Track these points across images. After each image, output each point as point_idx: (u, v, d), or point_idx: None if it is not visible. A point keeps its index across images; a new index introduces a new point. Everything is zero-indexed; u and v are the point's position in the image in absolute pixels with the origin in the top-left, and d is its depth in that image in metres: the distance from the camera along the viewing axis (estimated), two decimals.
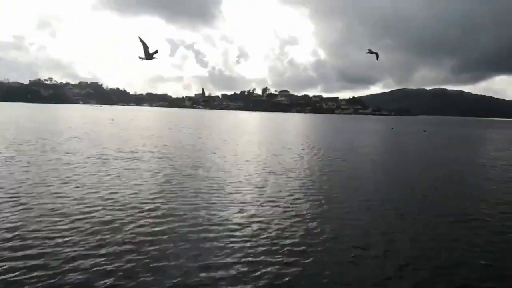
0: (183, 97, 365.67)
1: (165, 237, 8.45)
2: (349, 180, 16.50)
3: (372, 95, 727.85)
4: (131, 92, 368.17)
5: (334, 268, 7.24)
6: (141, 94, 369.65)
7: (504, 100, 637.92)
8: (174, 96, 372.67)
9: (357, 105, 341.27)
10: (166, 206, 10.89)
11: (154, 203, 11.21)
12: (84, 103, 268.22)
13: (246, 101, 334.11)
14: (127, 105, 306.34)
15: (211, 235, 8.68)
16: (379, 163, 23.63)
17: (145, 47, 14.36)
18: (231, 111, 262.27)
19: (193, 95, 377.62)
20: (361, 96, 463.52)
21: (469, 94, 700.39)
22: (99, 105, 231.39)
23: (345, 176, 17.46)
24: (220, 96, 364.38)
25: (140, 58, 14.62)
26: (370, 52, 20.83)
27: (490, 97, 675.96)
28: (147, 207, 10.69)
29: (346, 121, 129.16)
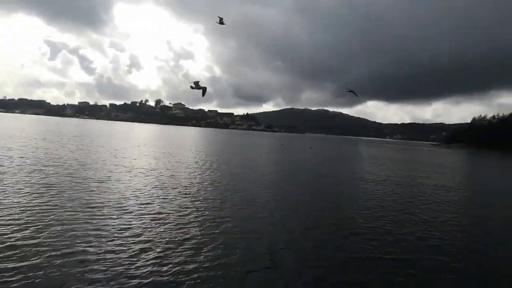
0: (64, 105, 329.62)
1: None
2: (240, 194, 15.85)
3: (264, 112, 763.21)
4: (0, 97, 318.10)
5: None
6: (12, 99, 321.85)
7: (374, 122, 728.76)
8: (53, 103, 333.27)
9: (250, 121, 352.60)
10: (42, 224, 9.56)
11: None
12: None
13: (138, 112, 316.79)
14: None
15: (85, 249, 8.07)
16: (268, 176, 23.50)
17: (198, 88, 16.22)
18: (121, 122, 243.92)
19: (76, 103, 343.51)
20: (254, 113, 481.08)
21: (347, 115, 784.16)
22: None
23: (236, 189, 16.94)
24: (108, 106, 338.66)
25: (191, 87, 16.19)
26: (349, 91, 21.03)
27: (364, 119, 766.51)
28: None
29: (242, 136, 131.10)
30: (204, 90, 16.25)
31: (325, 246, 9.41)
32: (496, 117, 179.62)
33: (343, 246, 9.53)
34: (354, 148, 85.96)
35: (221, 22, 19.81)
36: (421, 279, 7.83)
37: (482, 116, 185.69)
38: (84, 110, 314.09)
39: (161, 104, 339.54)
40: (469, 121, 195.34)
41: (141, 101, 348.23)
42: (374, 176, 26.09)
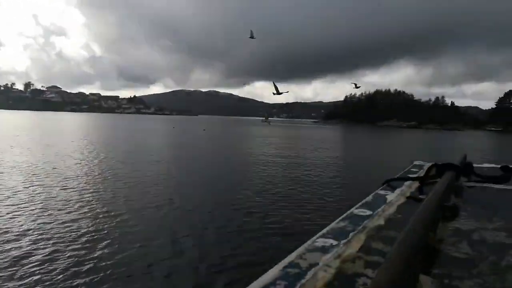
0: None
1: None
2: (131, 184, 14.77)
3: (154, 94, 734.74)
4: None
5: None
6: None
7: (262, 101, 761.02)
8: None
9: (139, 104, 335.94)
10: None
11: None
12: None
13: (3, 97, 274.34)
14: None
15: None
16: (163, 161, 22.99)
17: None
18: None
19: None
20: (142, 95, 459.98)
21: (237, 96, 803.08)
22: None
23: (127, 179, 15.68)
24: None
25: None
26: (356, 86, 23.20)
27: (253, 99, 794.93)
28: None
29: (130, 120, 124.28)
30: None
31: (224, 229, 9.41)
32: (364, 94, 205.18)
33: (240, 226, 9.72)
34: (245, 128, 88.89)
35: (252, 36, 20.48)
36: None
37: (353, 94, 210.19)
38: None
39: (31, 88, 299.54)
40: (343, 99, 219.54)
41: (6, 84, 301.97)
42: (263, 154, 28.14)
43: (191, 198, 12.69)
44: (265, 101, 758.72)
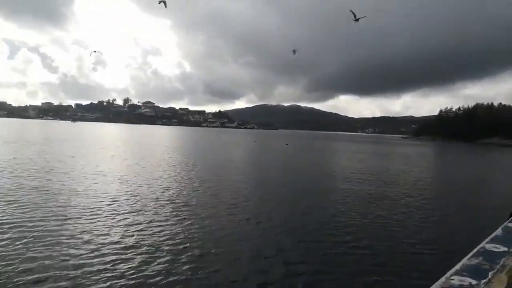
0: (26, 106, 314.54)
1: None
2: (221, 196, 15.14)
3: (237, 109, 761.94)
4: None
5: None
6: None
7: (346, 116, 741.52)
8: (15, 104, 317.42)
9: (223, 119, 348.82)
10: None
11: None
12: None
13: (106, 112, 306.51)
14: None
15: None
16: (247, 176, 23.07)
17: None
18: (87, 122, 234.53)
19: (39, 104, 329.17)
20: (227, 110, 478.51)
21: (319, 110, 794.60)
22: None
23: (215, 191, 16.14)
24: (74, 106, 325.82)
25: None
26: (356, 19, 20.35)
27: (336, 113, 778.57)
28: None
29: (215, 133, 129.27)
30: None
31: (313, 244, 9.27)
32: (462, 109, 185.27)
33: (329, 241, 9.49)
34: (328, 143, 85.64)
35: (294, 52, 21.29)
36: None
37: (449, 108, 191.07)
38: (48, 111, 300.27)
39: (129, 103, 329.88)
40: (437, 113, 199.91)
41: (109, 100, 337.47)
42: (349, 171, 26.25)
43: (276, 213, 12.50)
44: (349, 116, 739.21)
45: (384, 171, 27.34)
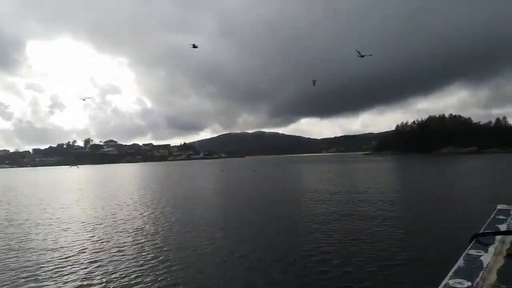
0: None
1: None
2: (192, 228, 15.32)
3: (203, 140, 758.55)
4: None
5: None
6: None
7: (309, 138, 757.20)
8: None
9: (189, 151, 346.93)
10: None
11: None
12: None
13: (66, 154, 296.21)
14: None
15: None
16: (222, 204, 24.47)
17: None
18: (48, 167, 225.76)
19: None
20: (192, 142, 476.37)
21: (283, 134, 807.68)
22: None
23: (186, 224, 16.41)
24: (31, 151, 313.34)
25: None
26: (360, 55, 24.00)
27: (299, 136, 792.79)
28: None
29: (180, 166, 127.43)
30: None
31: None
32: (416, 122, 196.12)
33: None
34: (295, 166, 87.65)
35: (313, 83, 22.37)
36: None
37: (404, 122, 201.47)
38: (4, 159, 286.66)
39: (91, 143, 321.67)
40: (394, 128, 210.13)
41: (68, 142, 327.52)
42: (318, 192, 27.05)
43: (253, 239, 13.11)
44: (312, 137, 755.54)
45: (351, 188, 28.50)
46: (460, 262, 1.25)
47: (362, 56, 23.48)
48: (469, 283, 1.05)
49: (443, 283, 1.08)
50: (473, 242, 1.50)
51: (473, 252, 1.34)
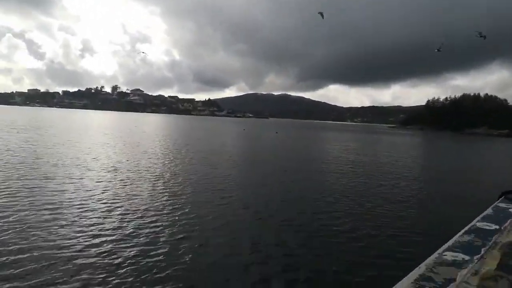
0: (12, 93, 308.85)
1: None
2: (215, 185, 14.90)
3: (227, 98, 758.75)
4: None
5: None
6: None
7: (336, 105, 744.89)
8: (0, 91, 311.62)
9: (212, 107, 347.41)
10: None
11: None
12: None
13: (93, 99, 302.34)
14: None
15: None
16: (246, 162, 24.23)
17: None
18: (75, 109, 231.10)
19: (25, 91, 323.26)
20: (216, 99, 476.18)
21: (309, 99, 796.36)
22: None
23: (209, 180, 15.90)
24: (61, 93, 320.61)
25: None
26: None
27: (326, 103, 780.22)
28: None
29: (204, 121, 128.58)
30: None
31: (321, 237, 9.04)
32: (449, 99, 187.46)
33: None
34: (318, 133, 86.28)
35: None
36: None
37: (436, 98, 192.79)
38: (34, 98, 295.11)
39: (118, 90, 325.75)
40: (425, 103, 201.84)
41: (97, 87, 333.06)
42: (342, 161, 25.83)
43: (270, 203, 12.36)
44: (338, 105, 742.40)
45: (375, 160, 27.79)
46: (488, 211, 1.29)
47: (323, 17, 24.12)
48: (497, 226, 1.09)
49: (470, 224, 1.11)
50: (501, 198, 1.56)
51: (501, 205, 1.39)
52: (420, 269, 0.87)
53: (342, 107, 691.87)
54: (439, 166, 27.22)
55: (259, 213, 10.92)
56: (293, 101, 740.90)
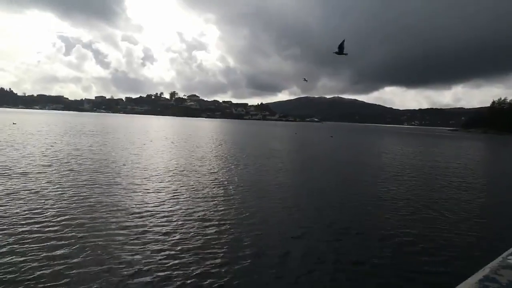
0: (82, 100, 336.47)
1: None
2: (268, 189, 15.56)
3: (279, 101, 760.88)
4: (19, 94, 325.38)
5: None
6: (32, 96, 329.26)
7: (391, 108, 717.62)
8: (71, 98, 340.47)
9: (265, 111, 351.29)
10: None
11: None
12: None
13: (153, 105, 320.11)
14: (15, 107, 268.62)
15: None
16: (301, 166, 24.13)
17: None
18: (137, 115, 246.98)
19: (93, 98, 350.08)
20: (268, 103, 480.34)
21: (363, 102, 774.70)
22: None
23: (263, 184, 16.63)
24: (124, 99, 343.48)
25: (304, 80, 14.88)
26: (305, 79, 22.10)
27: (381, 105, 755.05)
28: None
29: (256, 126, 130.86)
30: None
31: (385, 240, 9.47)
32: None
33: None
34: (373, 136, 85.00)
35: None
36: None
37: (502, 99, 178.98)
38: (101, 104, 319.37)
39: (176, 97, 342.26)
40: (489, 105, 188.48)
41: (156, 93, 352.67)
42: (398, 166, 25.76)
43: (325, 206, 12.81)
44: (394, 107, 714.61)
45: (435, 165, 27.43)
46: None
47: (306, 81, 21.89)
48: None
49: None
50: None
51: None
52: (484, 270, 0.88)
53: (398, 109, 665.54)
54: (505, 173, 26.24)
55: (321, 218, 11.23)
56: (345, 104, 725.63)
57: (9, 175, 15.51)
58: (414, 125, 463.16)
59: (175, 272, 7.07)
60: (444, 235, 10.11)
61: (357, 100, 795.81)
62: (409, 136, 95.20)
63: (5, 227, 9.04)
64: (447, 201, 14.65)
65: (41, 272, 6.83)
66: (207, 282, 6.77)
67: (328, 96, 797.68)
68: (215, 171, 19.76)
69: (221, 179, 17.20)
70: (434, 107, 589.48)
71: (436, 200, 14.63)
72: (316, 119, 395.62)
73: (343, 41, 13.90)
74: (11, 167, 17.49)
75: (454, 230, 10.53)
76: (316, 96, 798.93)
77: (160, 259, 7.60)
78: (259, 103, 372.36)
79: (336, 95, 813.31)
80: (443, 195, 15.82)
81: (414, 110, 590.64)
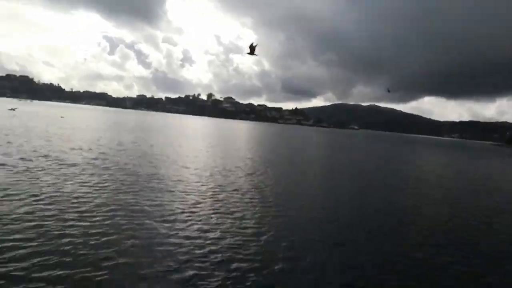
0: (124, 97, 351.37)
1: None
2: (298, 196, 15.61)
3: (314, 107, 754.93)
4: (67, 89, 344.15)
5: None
6: (78, 92, 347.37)
7: (430, 119, 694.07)
8: (114, 95, 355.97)
9: (299, 116, 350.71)
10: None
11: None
12: (12, 96, 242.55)
13: (191, 105, 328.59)
14: (63, 101, 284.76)
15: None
16: (335, 171, 25.38)
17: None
18: (175, 114, 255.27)
19: (134, 96, 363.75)
20: (303, 108, 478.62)
21: (400, 111, 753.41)
22: (29, 100, 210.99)
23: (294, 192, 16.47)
24: (164, 99, 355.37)
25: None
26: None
27: (418, 115, 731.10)
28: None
29: (291, 130, 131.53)
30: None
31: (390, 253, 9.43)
32: None
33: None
34: (414, 147, 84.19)
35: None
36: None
37: None
38: (142, 103, 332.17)
39: (212, 98, 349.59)
40: None
41: (194, 94, 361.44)
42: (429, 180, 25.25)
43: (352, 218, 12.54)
44: (433, 118, 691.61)
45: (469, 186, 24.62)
46: None
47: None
48: None
49: None
50: None
51: None
52: None
53: (437, 120, 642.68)
54: None
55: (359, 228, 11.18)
56: (382, 112, 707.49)
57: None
58: (453, 137, 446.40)
59: (215, 268, 7.45)
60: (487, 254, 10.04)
61: (395, 109, 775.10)
62: (453, 149, 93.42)
63: (55, 212, 9.98)
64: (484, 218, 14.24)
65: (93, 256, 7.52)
66: (245, 280, 7.11)
67: (364, 104, 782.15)
68: (253, 172, 20.43)
69: (261, 182, 17.69)
70: (475, 120, 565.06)
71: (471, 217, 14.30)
72: (355, 127, 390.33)
73: (254, 43, 15.12)
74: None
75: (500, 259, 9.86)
76: (352, 103, 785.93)
77: (200, 256, 7.96)
78: (294, 108, 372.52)
79: (372, 103, 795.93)
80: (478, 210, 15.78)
81: (454, 122, 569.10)
